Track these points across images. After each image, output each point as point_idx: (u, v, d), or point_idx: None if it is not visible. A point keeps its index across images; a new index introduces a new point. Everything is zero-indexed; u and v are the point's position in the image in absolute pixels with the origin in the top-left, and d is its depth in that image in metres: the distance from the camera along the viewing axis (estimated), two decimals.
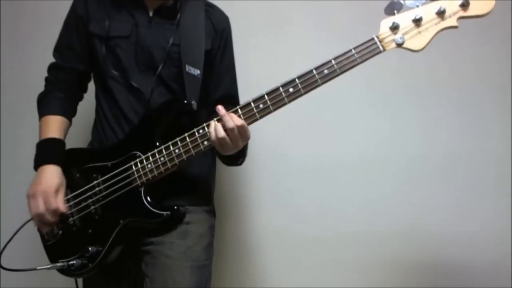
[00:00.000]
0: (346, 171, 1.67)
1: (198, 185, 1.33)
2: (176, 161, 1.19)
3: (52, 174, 1.25)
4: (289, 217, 1.69)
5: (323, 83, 1.13)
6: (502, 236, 1.59)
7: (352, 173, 1.67)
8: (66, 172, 1.29)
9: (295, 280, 1.68)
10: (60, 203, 1.23)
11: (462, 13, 1.08)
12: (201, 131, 1.18)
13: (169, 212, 1.20)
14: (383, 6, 1.13)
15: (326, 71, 1.12)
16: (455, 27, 1.09)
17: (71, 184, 1.28)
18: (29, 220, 1.29)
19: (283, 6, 1.71)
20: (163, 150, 1.20)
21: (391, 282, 1.62)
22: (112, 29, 1.29)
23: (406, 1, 1.12)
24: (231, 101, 1.34)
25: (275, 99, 1.14)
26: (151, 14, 1.32)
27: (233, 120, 1.13)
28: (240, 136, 1.14)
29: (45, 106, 1.36)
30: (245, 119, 1.15)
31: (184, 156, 1.19)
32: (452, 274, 1.61)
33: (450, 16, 1.09)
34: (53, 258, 1.28)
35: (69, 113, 1.38)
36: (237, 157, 1.26)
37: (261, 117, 1.15)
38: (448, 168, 1.64)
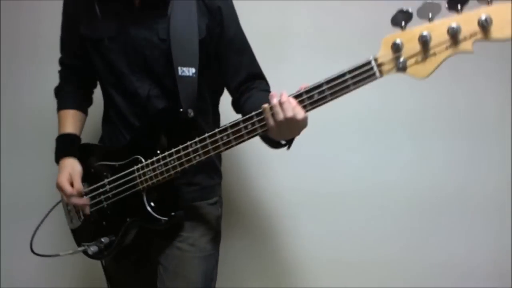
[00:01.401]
0: (349, 170, 1.66)
1: (200, 182, 1.36)
2: (172, 172, 1.22)
3: (65, 166, 1.35)
4: (294, 214, 1.71)
5: (311, 109, 1.04)
6: (502, 237, 1.55)
7: (354, 172, 1.65)
8: (82, 165, 1.38)
9: (300, 276, 1.73)
10: (76, 186, 1.32)
11: (480, 36, 0.88)
12: (193, 145, 1.18)
13: (167, 219, 1.26)
14: (389, 18, 0.96)
15: (316, 96, 1.02)
16: (470, 52, 0.90)
17: (86, 179, 1.38)
18: (55, 205, 1.45)
19: (284, 19, 1.61)
20: (161, 160, 1.23)
21: (390, 282, 1.63)
22: (99, 30, 1.25)
23: (417, 12, 0.94)
24: (259, 79, 1.31)
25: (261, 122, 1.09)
26: (137, 4, 1.24)
27: (294, 110, 1.02)
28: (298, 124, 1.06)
29: (60, 100, 1.43)
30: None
31: (179, 169, 1.21)
32: (452, 274, 1.60)
33: (465, 39, 0.90)
34: (78, 241, 1.44)
35: (82, 105, 1.44)
36: (289, 142, 1.21)
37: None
38: (448, 167, 1.58)
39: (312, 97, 1.02)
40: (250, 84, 1.30)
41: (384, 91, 1.51)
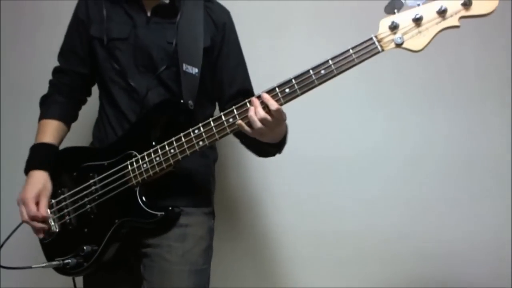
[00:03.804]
0: (346, 171, 1.67)
1: (196, 186, 1.32)
2: (171, 161, 1.18)
3: (36, 181, 1.27)
4: (290, 217, 1.69)
5: (319, 83, 1.10)
6: (502, 236, 1.57)
7: (352, 172, 1.67)
8: (62, 171, 1.30)
9: (296, 279, 1.68)
10: (41, 209, 1.25)
11: (464, 13, 1.04)
12: (196, 131, 1.17)
13: (163, 213, 1.19)
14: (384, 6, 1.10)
15: (323, 71, 1.09)
16: (457, 26, 1.05)
17: (68, 183, 1.29)
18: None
19: (283, 8, 1.70)
20: (159, 150, 1.19)
21: (390, 281, 1.61)
22: (111, 31, 1.29)
23: (407, 0, 1.09)
24: (247, 96, 1.32)
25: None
26: (149, 14, 1.31)
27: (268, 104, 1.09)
28: (275, 122, 1.11)
29: (45, 109, 1.38)
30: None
31: (179, 156, 1.18)
32: (452, 274, 1.60)
33: (451, 16, 1.05)
34: (49, 257, 1.28)
35: (67, 118, 1.39)
36: (278, 146, 1.23)
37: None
38: (448, 167, 1.62)
39: (319, 73, 1.09)
40: (239, 101, 1.33)
41: (385, 64, 1.55)
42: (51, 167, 1.30)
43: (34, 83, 1.44)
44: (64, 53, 1.40)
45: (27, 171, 1.30)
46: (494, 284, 1.56)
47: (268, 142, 1.19)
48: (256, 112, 1.10)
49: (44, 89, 1.40)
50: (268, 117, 1.10)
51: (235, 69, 1.37)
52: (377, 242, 1.63)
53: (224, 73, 1.35)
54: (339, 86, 1.58)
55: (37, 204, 1.26)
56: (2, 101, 1.85)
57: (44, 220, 1.26)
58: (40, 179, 1.28)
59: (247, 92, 1.37)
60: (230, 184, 1.71)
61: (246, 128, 1.12)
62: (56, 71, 1.42)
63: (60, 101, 1.38)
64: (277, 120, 1.11)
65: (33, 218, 1.25)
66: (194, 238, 1.26)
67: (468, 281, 1.58)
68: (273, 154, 1.28)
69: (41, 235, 1.28)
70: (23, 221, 1.27)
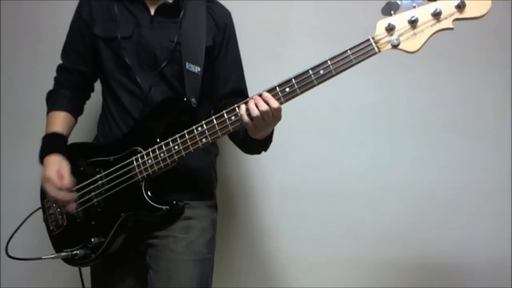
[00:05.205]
0: (348, 170, 1.69)
1: (200, 180, 1.36)
2: (175, 157, 1.23)
3: (53, 161, 1.30)
4: (288, 213, 1.72)
5: (319, 83, 1.14)
6: (502, 236, 1.59)
7: (353, 172, 1.69)
8: (70, 165, 1.33)
9: (296, 276, 1.71)
10: (66, 179, 1.27)
11: (458, 15, 1.08)
12: (199, 128, 1.21)
13: (168, 207, 1.24)
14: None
15: (322, 71, 1.14)
16: (451, 29, 1.09)
17: (75, 178, 1.32)
18: (34, 211, 1.35)
19: (284, 12, 1.73)
20: (163, 147, 1.24)
21: (390, 282, 1.64)
22: (114, 30, 1.32)
23: (403, 1, 1.13)
24: (240, 96, 1.37)
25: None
26: (152, 13, 1.34)
27: (269, 102, 1.13)
28: (272, 120, 1.15)
29: (52, 102, 1.41)
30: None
31: (183, 153, 1.22)
32: (452, 274, 1.62)
33: (446, 18, 1.09)
34: (58, 248, 1.33)
35: (74, 110, 1.42)
36: (265, 143, 1.27)
37: None
38: (448, 168, 1.64)
39: (318, 73, 1.13)
40: (232, 100, 1.35)
41: (385, 90, 1.67)
42: (64, 150, 1.33)
43: (35, 83, 1.46)
44: (66, 51, 1.44)
45: (41, 158, 1.32)
46: (494, 284, 1.58)
47: (258, 138, 1.23)
48: (258, 106, 1.14)
49: (44, 90, 1.43)
50: (270, 112, 1.14)
51: (231, 69, 1.40)
52: (377, 243, 1.66)
53: (220, 72, 1.39)
54: (339, 89, 1.61)
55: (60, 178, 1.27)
56: (2, 102, 1.86)
57: (70, 190, 1.27)
58: (56, 159, 1.30)
59: (241, 91, 1.41)
60: (229, 179, 1.75)
61: (247, 118, 1.15)
62: (59, 69, 1.45)
63: (66, 95, 1.41)
64: (276, 118, 1.16)
65: (61, 188, 1.26)
66: (198, 229, 1.31)
67: (468, 281, 1.61)
68: (259, 152, 1.33)
69: (73, 207, 1.28)
70: (51, 198, 1.29)
